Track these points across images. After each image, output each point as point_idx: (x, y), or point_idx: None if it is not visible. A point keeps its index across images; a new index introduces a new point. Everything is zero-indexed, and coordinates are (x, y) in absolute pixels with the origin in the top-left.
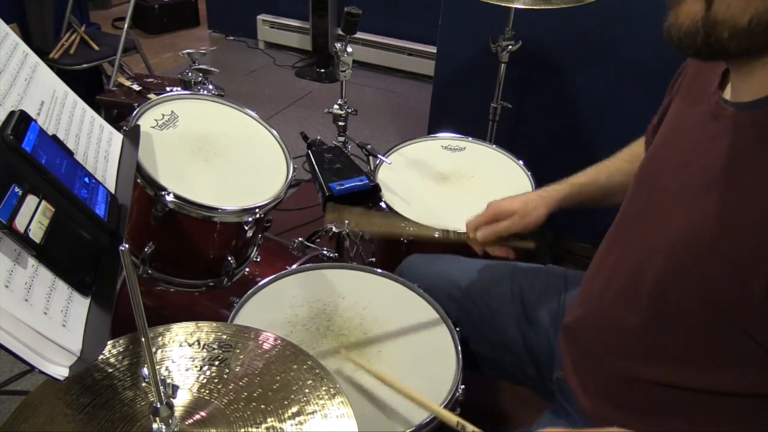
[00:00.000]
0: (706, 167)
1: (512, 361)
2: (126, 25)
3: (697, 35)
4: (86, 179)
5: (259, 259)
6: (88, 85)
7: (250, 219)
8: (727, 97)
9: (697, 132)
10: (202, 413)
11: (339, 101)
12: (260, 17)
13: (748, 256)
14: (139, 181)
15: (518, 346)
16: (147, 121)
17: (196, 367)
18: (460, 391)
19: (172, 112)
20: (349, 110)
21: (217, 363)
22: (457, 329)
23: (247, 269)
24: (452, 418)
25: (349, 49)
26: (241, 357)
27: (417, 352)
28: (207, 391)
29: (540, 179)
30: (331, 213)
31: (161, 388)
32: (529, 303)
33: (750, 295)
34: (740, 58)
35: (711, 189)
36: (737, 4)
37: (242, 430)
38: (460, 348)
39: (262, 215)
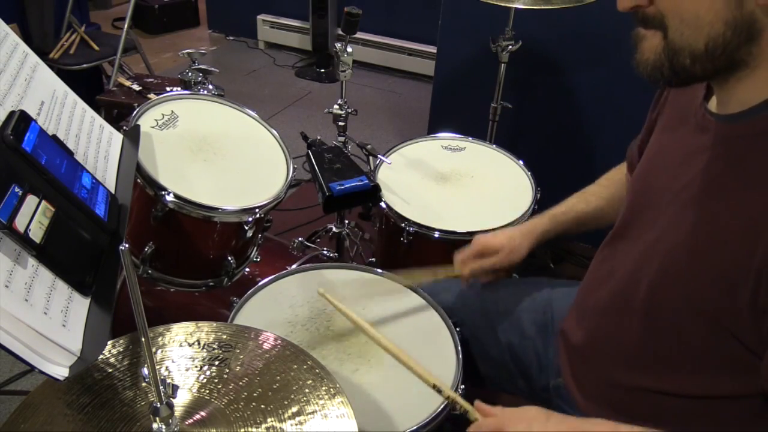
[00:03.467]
0: (694, 179)
1: (503, 375)
2: (126, 25)
3: (663, 67)
4: (86, 179)
5: (259, 259)
6: (88, 85)
7: (250, 219)
8: (712, 109)
9: (686, 144)
10: (202, 413)
11: (339, 101)
12: (260, 17)
13: (735, 266)
14: (139, 181)
15: (506, 361)
16: (147, 121)
17: (196, 367)
18: (460, 391)
19: (172, 112)
20: (349, 110)
21: (217, 363)
22: (458, 329)
23: (247, 269)
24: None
25: (349, 49)
26: (241, 357)
27: (417, 352)
28: (207, 391)
29: (540, 179)
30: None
31: (161, 388)
32: (514, 317)
33: (738, 303)
34: (712, 79)
35: (698, 200)
36: (689, 32)
37: (242, 430)
38: (460, 348)
39: (262, 215)
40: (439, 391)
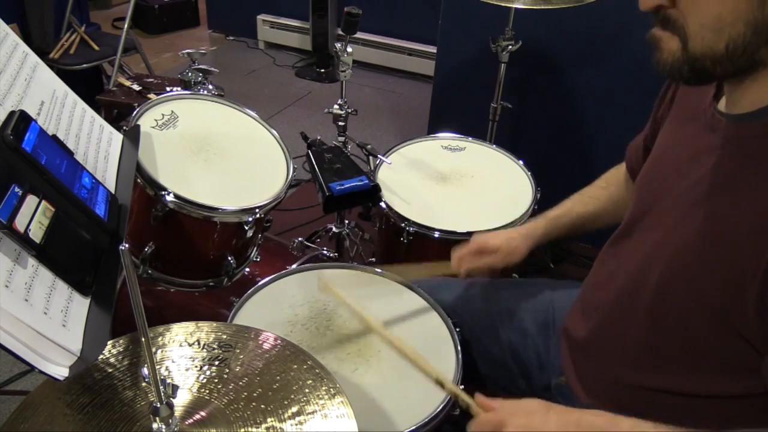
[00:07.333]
0: (702, 178)
1: (503, 375)
2: (126, 25)
3: (682, 68)
4: (86, 179)
5: (259, 259)
6: (88, 85)
7: (250, 219)
8: (722, 109)
9: (694, 143)
10: (202, 413)
11: (339, 101)
12: (260, 17)
13: (743, 265)
14: (139, 181)
15: (507, 360)
16: (147, 121)
17: (196, 367)
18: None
19: (172, 112)
20: (349, 110)
21: (217, 363)
22: (458, 330)
23: (247, 269)
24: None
25: (349, 49)
26: (241, 357)
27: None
28: (207, 391)
29: (540, 179)
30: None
31: (161, 388)
32: (516, 317)
33: (745, 302)
34: (729, 78)
35: (707, 199)
36: (710, 36)
37: (242, 430)
38: (459, 348)
39: (262, 215)
40: (442, 386)
